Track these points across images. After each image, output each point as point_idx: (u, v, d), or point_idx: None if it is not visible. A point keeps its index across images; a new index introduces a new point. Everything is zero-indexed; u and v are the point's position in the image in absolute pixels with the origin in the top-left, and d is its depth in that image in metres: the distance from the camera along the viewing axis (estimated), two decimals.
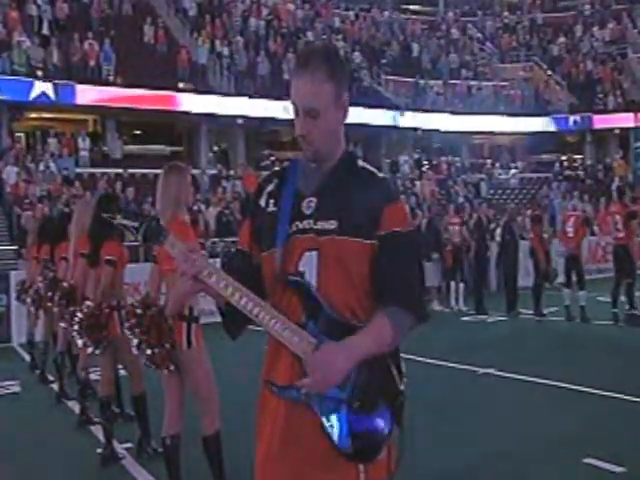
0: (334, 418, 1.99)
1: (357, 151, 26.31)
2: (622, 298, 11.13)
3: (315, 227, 2.06)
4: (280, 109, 21.23)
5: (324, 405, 1.99)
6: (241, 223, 2.36)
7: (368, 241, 2.05)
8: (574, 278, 11.57)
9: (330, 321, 2.02)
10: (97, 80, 21.97)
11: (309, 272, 2.05)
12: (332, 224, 2.05)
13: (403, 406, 2.05)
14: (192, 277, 2.05)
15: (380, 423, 2.01)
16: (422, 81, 29.57)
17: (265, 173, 2.38)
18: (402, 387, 2.06)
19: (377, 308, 2.07)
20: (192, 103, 23.12)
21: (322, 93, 2.05)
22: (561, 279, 12.37)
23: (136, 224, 2.12)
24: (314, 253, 2.05)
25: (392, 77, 29.39)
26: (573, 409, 6.37)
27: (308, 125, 2.07)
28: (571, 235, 11.75)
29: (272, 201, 2.17)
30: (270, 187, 2.21)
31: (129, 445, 5.64)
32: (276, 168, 2.37)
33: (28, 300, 8.74)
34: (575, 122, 29.37)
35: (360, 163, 2.18)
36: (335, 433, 1.99)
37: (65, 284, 6.58)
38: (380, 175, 2.16)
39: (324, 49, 2.19)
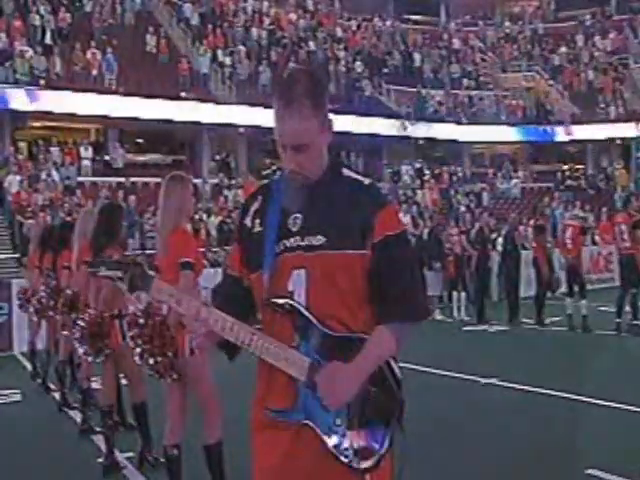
0: (336, 431, 1.97)
1: (358, 161, 26.37)
2: (627, 308, 11.11)
3: (302, 244, 2.02)
4: None
5: (323, 421, 1.98)
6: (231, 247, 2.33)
7: (359, 252, 2.01)
8: (575, 288, 11.58)
9: (323, 338, 2.00)
10: (99, 89, 22.03)
11: (298, 291, 2.01)
12: (319, 239, 2.01)
13: (403, 412, 2.04)
14: (205, 333, 2.05)
15: (381, 431, 2.00)
16: (424, 91, 29.63)
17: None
18: (400, 395, 2.04)
19: (377, 315, 2.05)
20: (194, 112, 23.12)
21: (309, 129, 1.99)
22: (564, 289, 12.37)
23: (120, 274, 2.07)
24: (302, 271, 2.01)
25: (394, 87, 29.41)
26: (575, 419, 6.33)
27: (297, 159, 2.02)
28: (570, 246, 11.79)
29: (257, 221, 2.12)
30: (255, 205, 2.16)
31: (130, 454, 5.61)
32: (263, 182, 2.34)
33: (31, 309, 8.73)
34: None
35: (345, 172, 2.12)
36: (338, 447, 1.97)
37: (68, 292, 6.59)
38: (366, 182, 2.11)
39: (303, 78, 2.02)
